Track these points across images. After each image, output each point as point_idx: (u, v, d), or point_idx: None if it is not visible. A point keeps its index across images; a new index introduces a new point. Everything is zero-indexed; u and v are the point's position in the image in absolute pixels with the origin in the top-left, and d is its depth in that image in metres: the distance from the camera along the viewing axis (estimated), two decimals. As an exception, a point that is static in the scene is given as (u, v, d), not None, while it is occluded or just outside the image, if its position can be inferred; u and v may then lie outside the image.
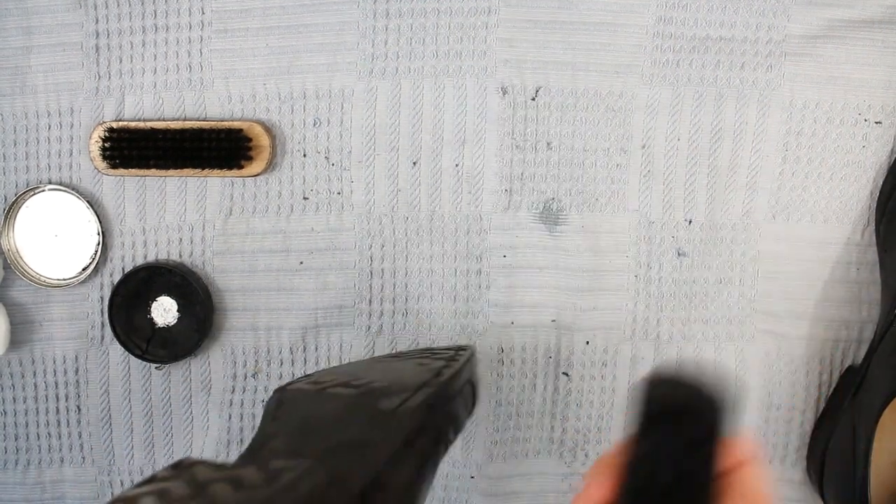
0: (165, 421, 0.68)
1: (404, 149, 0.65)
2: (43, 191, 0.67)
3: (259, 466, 0.38)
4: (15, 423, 0.69)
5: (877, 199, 0.64)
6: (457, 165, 0.65)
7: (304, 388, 0.51)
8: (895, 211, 0.61)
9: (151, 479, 0.37)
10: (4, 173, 0.68)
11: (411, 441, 0.46)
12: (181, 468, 0.38)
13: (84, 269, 0.67)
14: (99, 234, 0.66)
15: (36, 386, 0.69)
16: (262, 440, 0.46)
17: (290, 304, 0.66)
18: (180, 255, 0.67)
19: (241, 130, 0.64)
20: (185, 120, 0.66)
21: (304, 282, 0.66)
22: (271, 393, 0.67)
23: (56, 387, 0.69)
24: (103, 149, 0.65)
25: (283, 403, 0.49)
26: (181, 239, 0.67)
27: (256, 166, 0.65)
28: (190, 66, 0.66)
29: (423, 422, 0.47)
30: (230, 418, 0.68)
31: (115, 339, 0.67)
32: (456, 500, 0.67)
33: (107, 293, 0.67)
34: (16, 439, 0.69)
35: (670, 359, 0.66)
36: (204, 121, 0.65)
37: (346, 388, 0.50)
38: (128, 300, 0.66)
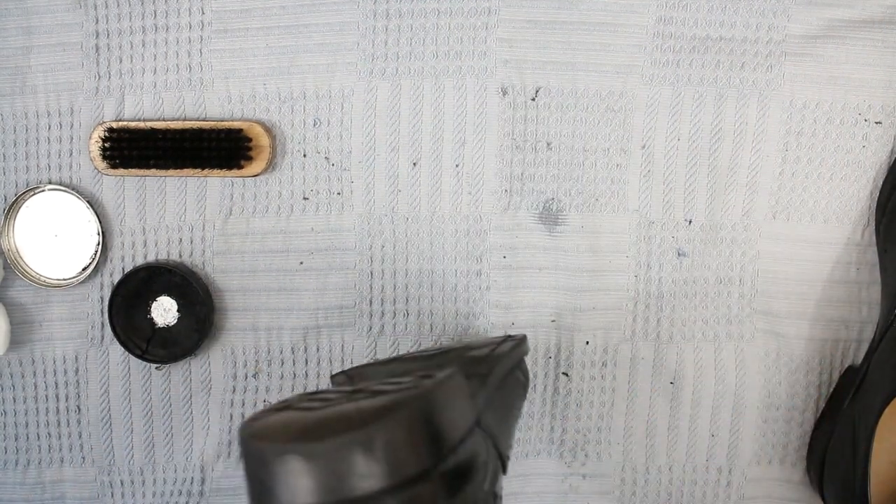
0: (165, 421, 0.68)
1: (404, 149, 0.65)
2: (43, 191, 0.67)
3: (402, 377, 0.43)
4: (15, 423, 0.69)
5: (877, 199, 0.64)
6: (457, 166, 0.65)
7: (384, 361, 0.56)
8: (895, 211, 0.61)
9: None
10: (4, 173, 0.68)
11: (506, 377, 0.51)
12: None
13: (84, 269, 0.67)
14: (99, 234, 0.66)
15: (36, 386, 0.69)
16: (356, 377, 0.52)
17: (291, 304, 0.66)
18: (180, 255, 0.67)
19: (241, 130, 0.64)
20: (185, 120, 0.66)
21: (304, 282, 0.66)
22: (271, 393, 0.67)
23: (56, 387, 0.69)
24: (103, 149, 0.65)
25: (352, 374, 0.55)
26: (181, 239, 0.67)
27: (256, 166, 0.65)
28: (190, 66, 0.66)
29: (512, 367, 0.52)
30: (231, 418, 0.68)
31: (114, 339, 0.67)
32: (456, 500, 0.67)
33: (107, 293, 0.67)
34: (16, 439, 0.69)
35: (670, 359, 0.66)
36: (204, 121, 0.65)
37: (420, 352, 0.57)
38: (128, 300, 0.66)
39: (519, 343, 0.58)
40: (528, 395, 0.66)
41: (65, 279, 0.67)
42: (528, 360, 0.66)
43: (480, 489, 0.40)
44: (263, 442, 0.33)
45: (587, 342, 0.66)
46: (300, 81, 0.65)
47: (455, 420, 0.38)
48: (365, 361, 0.67)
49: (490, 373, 0.50)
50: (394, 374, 0.51)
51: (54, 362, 0.69)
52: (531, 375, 0.66)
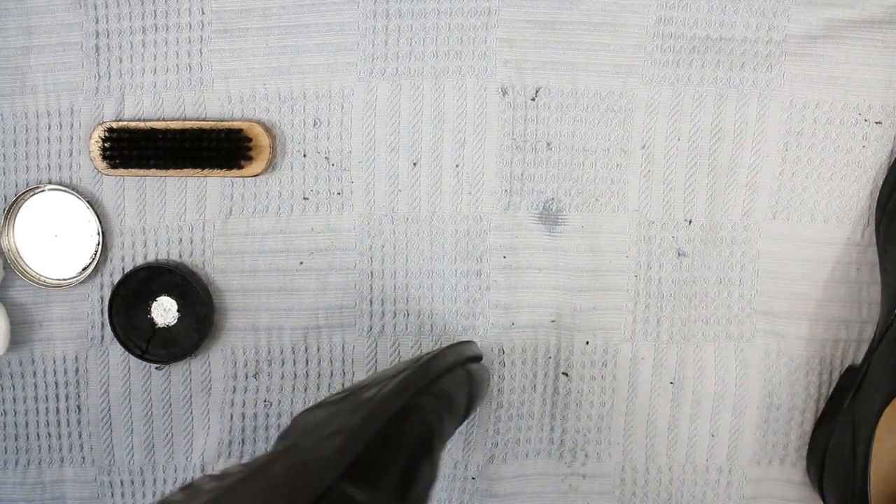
0: (165, 421, 0.68)
1: (404, 149, 0.65)
2: (43, 191, 0.67)
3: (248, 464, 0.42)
4: (15, 423, 0.69)
5: (877, 199, 0.64)
6: (457, 166, 0.65)
7: (309, 409, 0.55)
8: (895, 211, 0.61)
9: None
10: (4, 173, 0.68)
11: (399, 419, 0.49)
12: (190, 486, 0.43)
13: (84, 269, 0.67)
14: (99, 234, 0.66)
15: (36, 386, 0.69)
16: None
17: (291, 304, 0.66)
18: (180, 255, 0.67)
19: (241, 130, 0.64)
20: (184, 120, 0.66)
21: (304, 282, 0.66)
22: (272, 393, 0.67)
23: (56, 387, 0.69)
24: (103, 149, 0.65)
25: (289, 426, 0.54)
26: (181, 239, 0.67)
27: (256, 166, 0.65)
28: (190, 66, 0.66)
29: (405, 402, 0.50)
30: (231, 418, 0.68)
31: (115, 339, 0.67)
32: (456, 501, 0.67)
33: (107, 293, 0.67)
34: (16, 439, 0.69)
35: (670, 359, 0.66)
36: (204, 121, 0.65)
37: (339, 395, 0.54)
38: (128, 300, 0.66)
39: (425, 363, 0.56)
40: (528, 396, 0.66)
41: (65, 279, 0.67)
42: (528, 360, 0.66)
43: None
44: None
45: (587, 342, 0.66)
46: (300, 81, 0.65)
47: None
48: (365, 363, 0.67)
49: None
50: (317, 423, 0.52)
51: (54, 362, 0.69)
52: (531, 375, 0.66)
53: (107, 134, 0.65)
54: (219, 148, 0.64)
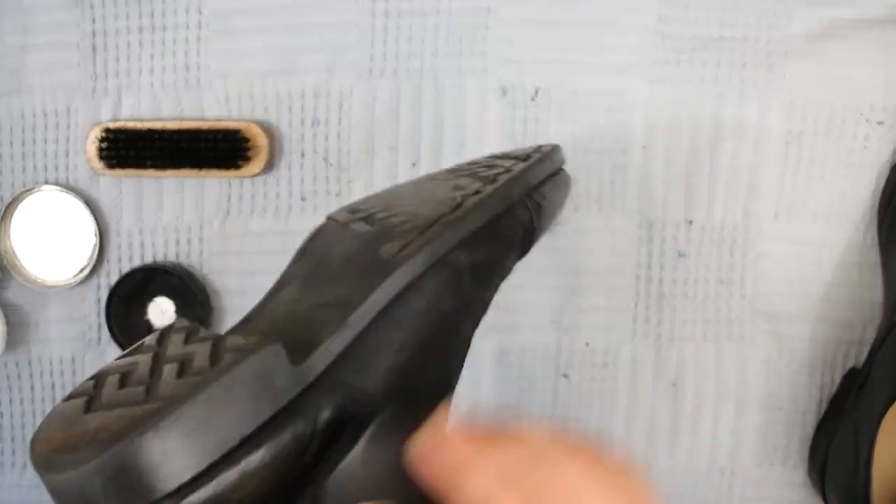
0: (163, 423, 0.68)
1: (404, 149, 0.65)
2: (39, 191, 0.66)
3: (226, 337, 0.34)
4: (11, 424, 0.69)
5: (878, 199, 0.64)
6: (456, 166, 0.65)
7: (338, 220, 0.44)
8: (897, 211, 0.61)
9: (138, 348, 0.35)
10: (0, 173, 0.67)
11: (404, 300, 0.39)
12: (164, 335, 0.35)
13: (81, 270, 0.67)
14: (96, 234, 0.66)
15: (33, 387, 0.69)
16: (275, 287, 0.42)
17: (289, 305, 0.66)
18: (178, 256, 0.67)
19: (238, 130, 0.64)
20: (182, 120, 0.65)
21: (302, 283, 0.66)
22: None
23: (53, 388, 0.68)
24: (100, 149, 0.65)
25: (314, 237, 0.44)
26: (178, 240, 0.67)
27: (254, 166, 0.64)
28: (187, 66, 0.66)
29: (424, 270, 0.39)
30: (228, 420, 0.67)
31: (112, 341, 0.66)
32: (455, 503, 0.67)
33: (104, 294, 0.67)
34: (12, 441, 0.69)
35: (671, 360, 0.65)
36: (201, 121, 0.65)
37: (367, 223, 0.43)
38: (125, 301, 0.66)
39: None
40: (527, 397, 0.66)
41: (62, 280, 0.67)
42: (528, 361, 0.66)
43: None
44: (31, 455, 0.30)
45: (587, 343, 0.66)
46: (298, 81, 0.65)
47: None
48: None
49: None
50: (393, 209, 0.43)
51: (51, 363, 0.68)
52: (531, 376, 0.66)
53: (104, 134, 0.65)
54: (216, 148, 0.64)
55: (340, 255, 0.41)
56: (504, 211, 0.44)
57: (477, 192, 0.43)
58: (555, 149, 0.50)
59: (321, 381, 0.35)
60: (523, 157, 0.48)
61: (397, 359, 0.38)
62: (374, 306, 0.37)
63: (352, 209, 0.45)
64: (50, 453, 0.30)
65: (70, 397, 0.32)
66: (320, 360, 0.35)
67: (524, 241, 0.46)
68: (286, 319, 0.39)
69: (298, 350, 0.34)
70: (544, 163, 0.48)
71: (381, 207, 0.44)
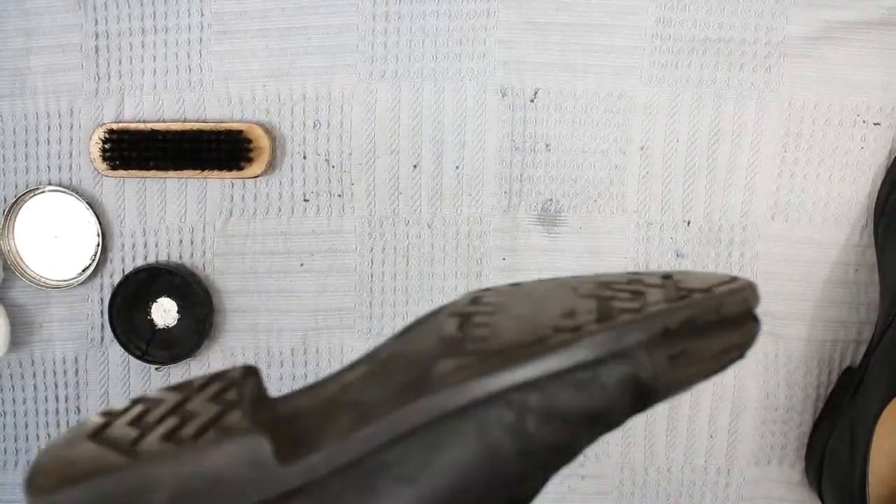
0: (165, 422, 0.68)
1: (404, 151, 0.65)
2: (43, 192, 0.67)
3: (231, 412, 0.32)
4: (14, 423, 0.69)
5: (875, 200, 0.64)
6: (457, 168, 0.65)
7: (446, 309, 0.38)
8: (893, 212, 0.62)
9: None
10: (4, 174, 0.68)
11: (437, 430, 0.32)
12: (211, 381, 0.33)
13: (84, 271, 0.67)
14: (99, 235, 0.66)
15: (36, 387, 0.69)
16: (352, 363, 0.37)
17: (291, 305, 0.67)
18: (180, 257, 0.67)
19: (240, 132, 0.64)
20: (184, 121, 0.66)
21: (304, 284, 0.66)
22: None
23: (56, 388, 0.69)
24: (103, 150, 0.65)
25: (421, 321, 0.38)
26: (181, 240, 0.67)
27: (256, 168, 0.65)
28: (189, 68, 0.66)
29: (473, 402, 0.32)
30: (230, 419, 0.68)
31: (114, 341, 0.67)
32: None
33: (107, 294, 0.67)
34: (15, 440, 0.69)
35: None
36: (204, 122, 0.65)
37: (460, 324, 0.36)
38: (128, 301, 0.66)
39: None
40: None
41: (65, 280, 0.67)
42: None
43: None
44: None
45: (586, 343, 0.66)
46: (300, 83, 0.65)
47: None
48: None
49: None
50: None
51: (54, 363, 0.69)
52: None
53: (107, 135, 0.65)
54: (219, 149, 0.64)
55: (413, 353, 0.35)
56: (601, 358, 0.34)
57: (576, 329, 0.34)
58: (741, 289, 0.36)
59: (310, 490, 0.31)
60: (690, 291, 0.36)
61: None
62: (394, 426, 0.32)
63: (475, 299, 0.38)
64: (35, 468, 0.30)
65: (102, 413, 0.33)
66: (312, 467, 0.31)
67: (636, 399, 0.36)
68: (317, 407, 0.34)
69: (300, 446, 0.31)
70: (703, 306, 0.35)
71: (493, 308, 0.37)
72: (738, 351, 0.36)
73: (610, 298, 0.37)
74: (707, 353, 0.35)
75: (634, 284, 0.38)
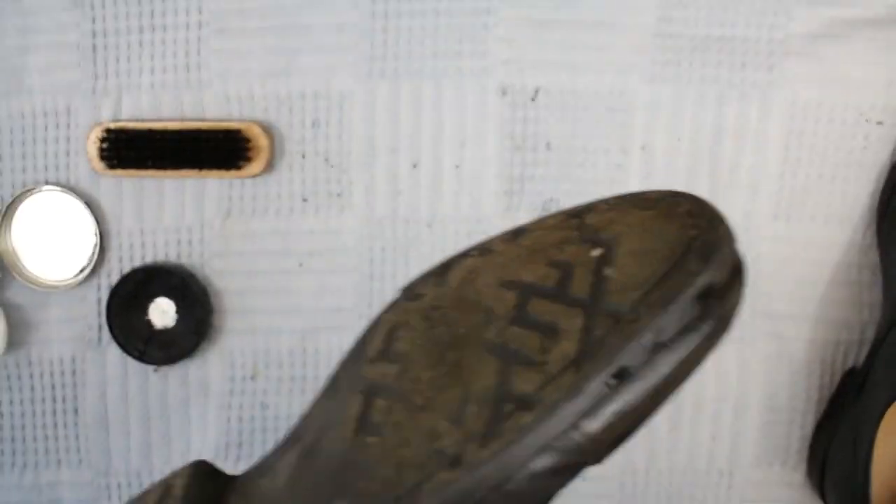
0: (163, 423, 0.68)
1: (404, 151, 0.65)
2: (40, 191, 0.66)
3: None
4: (11, 425, 0.69)
5: (878, 199, 0.64)
6: (457, 167, 0.65)
7: (365, 380, 0.34)
8: (896, 212, 0.61)
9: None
10: (0, 174, 0.67)
11: None
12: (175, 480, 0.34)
13: (81, 271, 0.67)
14: (96, 235, 0.66)
15: (33, 388, 0.69)
16: (272, 456, 0.36)
17: (289, 306, 0.66)
18: (179, 257, 0.67)
19: (239, 131, 0.64)
20: (183, 120, 0.65)
21: (303, 284, 0.66)
22: (269, 396, 0.67)
23: (53, 388, 0.68)
24: (101, 149, 0.65)
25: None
26: (179, 240, 0.67)
27: (255, 167, 0.64)
28: (188, 66, 0.66)
29: None
30: (229, 421, 0.67)
31: (112, 341, 0.66)
32: None
33: (104, 294, 0.67)
34: (12, 441, 0.69)
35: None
36: (202, 121, 0.65)
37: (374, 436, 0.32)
38: (125, 302, 0.66)
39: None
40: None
41: (62, 280, 0.67)
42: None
43: None
44: None
45: (587, 343, 0.66)
46: (299, 82, 0.65)
47: None
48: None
49: None
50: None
51: (51, 364, 0.68)
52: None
53: (104, 134, 0.65)
54: (217, 148, 0.64)
55: (325, 457, 0.32)
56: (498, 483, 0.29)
57: (455, 463, 0.29)
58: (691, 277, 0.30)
59: None
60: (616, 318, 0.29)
61: None
62: None
63: (384, 349, 0.34)
64: None
65: None
66: None
67: (567, 476, 0.31)
68: None
69: None
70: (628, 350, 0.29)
71: (395, 395, 0.33)
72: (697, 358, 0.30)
73: (506, 368, 0.31)
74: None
75: (545, 315, 0.31)
